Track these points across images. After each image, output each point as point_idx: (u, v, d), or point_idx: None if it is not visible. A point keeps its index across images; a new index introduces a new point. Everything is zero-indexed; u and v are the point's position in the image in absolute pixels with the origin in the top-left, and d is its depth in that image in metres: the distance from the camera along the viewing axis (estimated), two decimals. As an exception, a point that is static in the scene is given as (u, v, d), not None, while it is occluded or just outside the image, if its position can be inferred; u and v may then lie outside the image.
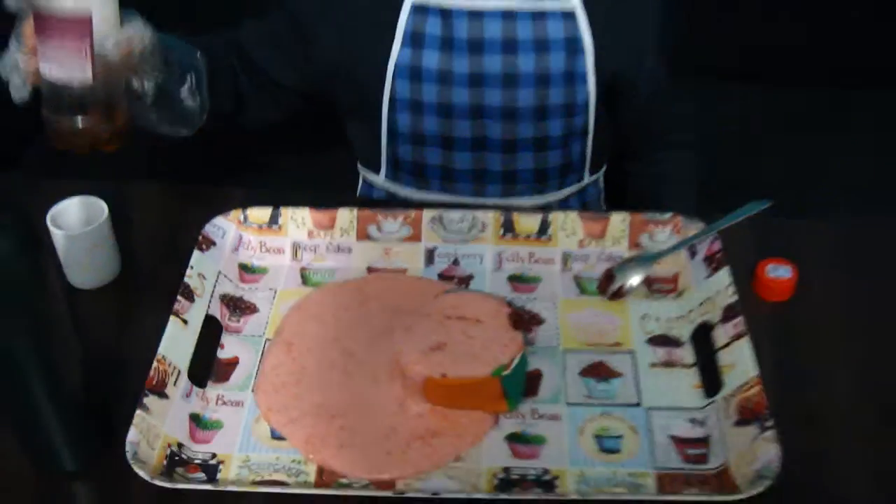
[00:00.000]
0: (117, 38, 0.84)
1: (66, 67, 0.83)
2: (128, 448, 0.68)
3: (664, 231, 0.87)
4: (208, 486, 0.69)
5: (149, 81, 0.87)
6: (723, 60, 1.53)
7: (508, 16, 1.02)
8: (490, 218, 0.88)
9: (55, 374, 0.67)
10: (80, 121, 0.81)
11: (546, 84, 1.04)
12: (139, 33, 0.85)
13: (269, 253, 0.88)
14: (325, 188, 1.00)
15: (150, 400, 0.71)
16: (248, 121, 1.13)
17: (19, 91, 0.85)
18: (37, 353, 0.65)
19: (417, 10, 1.03)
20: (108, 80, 0.84)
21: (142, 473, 0.67)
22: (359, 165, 1.19)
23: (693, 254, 0.85)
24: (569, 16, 1.02)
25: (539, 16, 1.02)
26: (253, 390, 0.77)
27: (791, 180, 1.22)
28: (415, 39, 1.04)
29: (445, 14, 1.02)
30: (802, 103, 1.52)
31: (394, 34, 1.04)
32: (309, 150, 1.27)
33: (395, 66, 1.05)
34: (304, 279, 0.87)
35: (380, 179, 1.14)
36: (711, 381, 0.76)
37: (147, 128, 0.91)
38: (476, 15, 1.02)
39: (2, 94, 0.85)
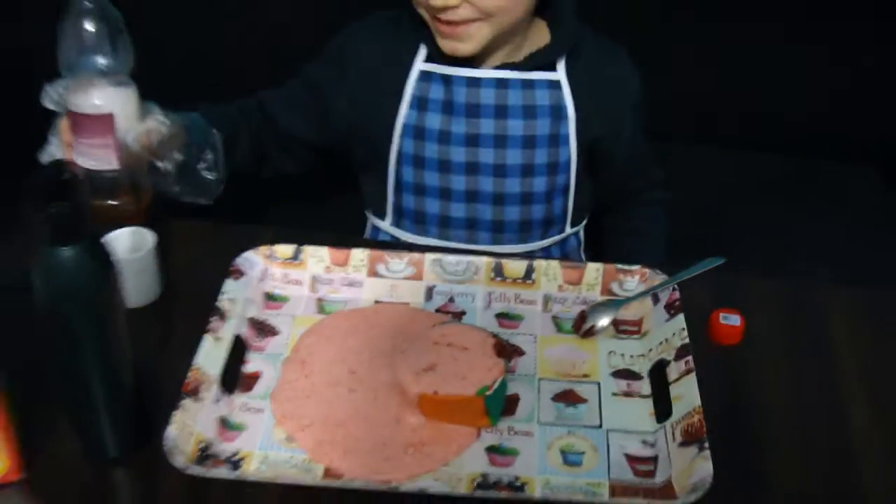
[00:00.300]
0: (138, 131, 0.99)
1: (96, 159, 0.99)
2: (166, 440, 0.80)
3: (632, 280, 1.00)
4: (232, 476, 0.81)
5: (170, 162, 1.02)
6: (700, 128, 1.67)
7: (501, 83, 1.15)
8: (483, 263, 1.01)
9: (111, 374, 0.79)
10: (109, 202, 0.96)
11: (532, 145, 1.16)
12: (157, 125, 1.00)
13: (290, 284, 1.01)
14: (337, 230, 1.12)
15: (186, 402, 0.84)
16: (268, 173, 1.27)
17: None
18: (99, 355, 0.78)
19: (423, 77, 1.16)
20: (132, 167, 0.99)
21: (178, 463, 0.79)
22: (367, 212, 1.32)
23: (656, 301, 0.97)
24: (554, 84, 1.16)
25: (528, 84, 1.16)
26: (271, 400, 0.90)
27: (748, 241, 1.34)
28: (420, 103, 1.17)
29: (447, 80, 1.16)
30: (771, 169, 1.66)
31: (402, 98, 1.17)
32: (323, 197, 1.40)
33: (403, 125, 1.18)
34: (320, 308, 0.99)
35: (385, 225, 1.27)
36: (662, 409, 0.87)
37: (171, 197, 1.05)
38: (473, 82, 1.15)
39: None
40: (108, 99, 0.98)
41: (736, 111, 1.71)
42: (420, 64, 1.17)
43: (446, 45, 1.12)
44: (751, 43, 1.66)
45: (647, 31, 1.55)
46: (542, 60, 1.16)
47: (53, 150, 1.03)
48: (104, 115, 0.97)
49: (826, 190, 1.64)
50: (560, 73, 1.16)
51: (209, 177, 1.07)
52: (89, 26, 0.95)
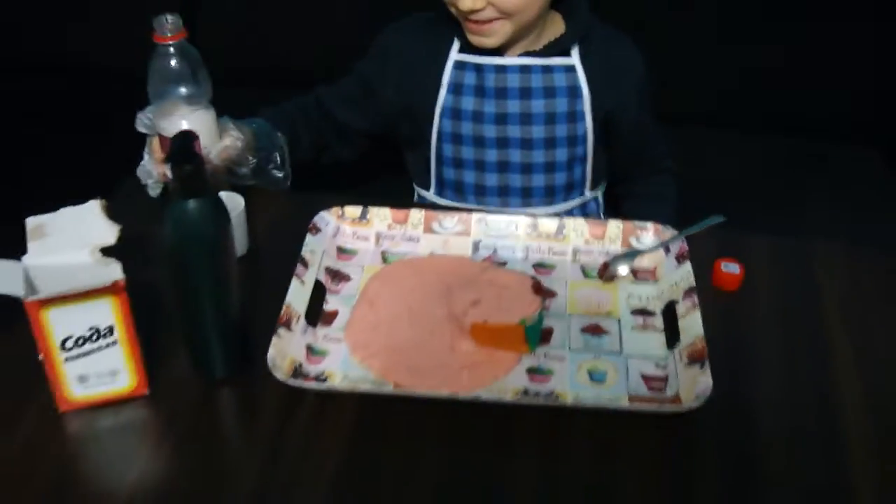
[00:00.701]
0: (218, 148, 1.16)
1: None
2: (268, 359, 0.97)
3: (647, 234, 1.17)
4: (323, 388, 0.99)
5: (245, 167, 1.20)
6: (700, 106, 1.85)
7: (524, 69, 1.33)
8: (521, 221, 1.18)
9: (223, 305, 0.97)
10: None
11: (553, 121, 1.34)
12: (233, 140, 1.18)
13: (359, 239, 1.18)
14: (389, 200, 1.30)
15: (281, 331, 1.02)
16: (327, 160, 1.45)
17: (153, 189, 1.19)
18: (214, 288, 0.96)
19: (458, 66, 1.34)
20: (214, 176, 1.15)
21: (278, 376, 0.97)
22: (414, 184, 1.50)
23: (667, 252, 1.14)
24: (570, 69, 1.33)
25: (547, 69, 1.33)
26: (345, 333, 1.08)
27: (756, 216, 1.50)
28: (456, 88, 1.35)
29: (478, 68, 1.34)
30: (780, 152, 1.83)
31: (440, 84, 1.35)
32: (376, 175, 1.59)
33: (441, 108, 1.35)
34: (384, 259, 1.16)
35: (429, 195, 1.45)
36: (672, 338, 1.05)
37: None
38: (501, 68, 1.33)
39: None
40: (192, 122, 1.13)
41: (744, 97, 1.89)
42: (454, 55, 1.35)
43: (475, 40, 1.31)
44: (756, 40, 1.84)
45: (656, 22, 1.73)
46: (559, 48, 1.33)
47: (147, 166, 1.20)
48: None
49: (831, 172, 1.81)
50: (574, 59, 1.34)
51: (278, 174, 1.26)
52: (173, 63, 1.11)
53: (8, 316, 1.03)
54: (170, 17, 1.06)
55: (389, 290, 1.12)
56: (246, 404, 1.02)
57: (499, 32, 1.28)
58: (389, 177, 1.56)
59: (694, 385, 0.97)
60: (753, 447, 0.95)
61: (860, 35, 1.86)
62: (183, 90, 1.10)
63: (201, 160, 0.90)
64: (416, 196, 1.49)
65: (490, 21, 1.26)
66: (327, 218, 1.18)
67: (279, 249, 1.15)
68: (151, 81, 1.11)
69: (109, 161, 1.25)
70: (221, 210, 0.93)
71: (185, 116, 1.11)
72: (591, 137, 1.37)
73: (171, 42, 1.07)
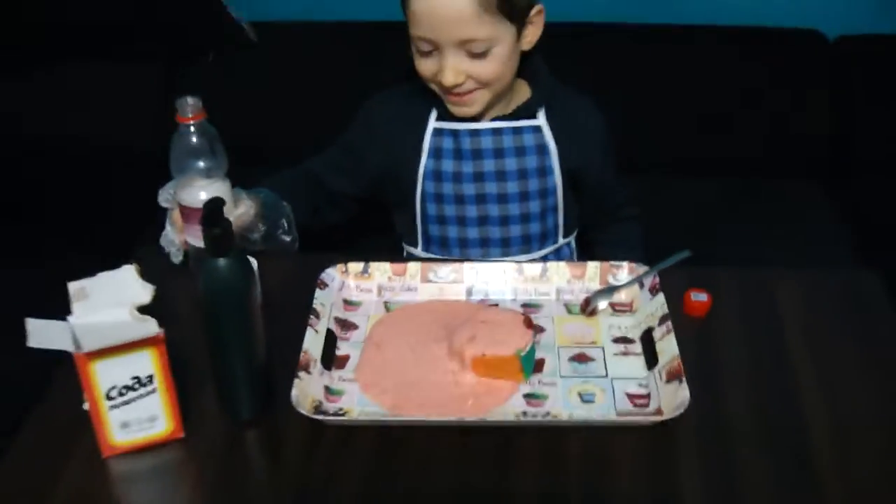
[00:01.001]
0: (234, 216, 1.28)
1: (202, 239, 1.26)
2: (292, 398, 1.07)
3: (623, 272, 1.30)
4: (342, 421, 1.10)
5: (257, 234, 1.32)
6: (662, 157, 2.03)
7: (497, 132, 1.46)
8: (509, 267, 1.31)
9: (250, 351, 1.08)
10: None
11: (525, 176, 1.47)
12: (247, 209, 1.31)
13: (362, 292, 1.30)
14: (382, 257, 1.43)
15: (301, 374, 1.12)
16: (318, 225, 1.57)
17: (175, 256, 1.32)
18: (242, 336, 1.07)
19: (436, 133, 1.47)
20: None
21: (302, 411, 1.09)
22: (403, 243, 1.63)
23: (641, 286, 1.28)
24: (537, 129, 1.47)
25: (517, 130, 1.47)
26: (356, 373, 1.18)
27: (719, 250, 1.64)
28: (436, 152, 1.48)
29: (455, 134, 1.47)
30: (734, 190, 2.02)
31: (421, 150, 1.48)
32: (365, 234, 1.72)
33: (424, 171, 1.48)
34: (386, 308, 1.28)
35: (417, 251, 1.57)
36: (651, 361, 1.17)
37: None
38: (475, 133, 1.46)
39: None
40: (210, 193, 1.22)
41: (698, 146, 2.08)
42: (433, 123, 1.48)
43: (457, 110, 1.44)
44: (707, 93, 2.03)
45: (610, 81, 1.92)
46: (526, 111, 1.48)
47: (170, 235, 1.32)
48: None
49: (779, 201, 2.01)
50: (541, 120, 1.48)
51: (286, 238, 1.39)
52: (194, 140, 1.21)
53: (47, 375, 1.15)
54: (190, 100, 1.19)
55: (393, 333, 1.23)
56: (272, 442, 1.12)
57: (479, 101, 1.42)
58: (379, 237, 1.68)
59: (674, 398, 1.09)
60: (729, 450, 1.07)
61: (798, 86, 2.07)
62: (202, 164, 1.23)
63: (229, 223, 1.02)
64: (404, 253, 1.62)
65: (470, 92, 1.40)
66: (333, 274, 1.30)
67: (291, 303, 1.26)
68: (173, 157, 1.23)
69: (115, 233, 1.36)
70: (247, 266, 1.05)
71: (204, 188, 1.23)
72: (560, 189, 1.50)
73: (191, 122, 1.20)
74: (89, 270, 1.08)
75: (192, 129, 1.21)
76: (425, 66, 1.39)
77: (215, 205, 1.03)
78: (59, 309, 1.02)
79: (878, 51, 2.14)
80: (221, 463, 1.09)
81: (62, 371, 1.11)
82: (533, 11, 1.38)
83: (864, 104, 2.11)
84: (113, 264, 1.08)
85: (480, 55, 1.34)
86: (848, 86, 2.11)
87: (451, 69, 1.35)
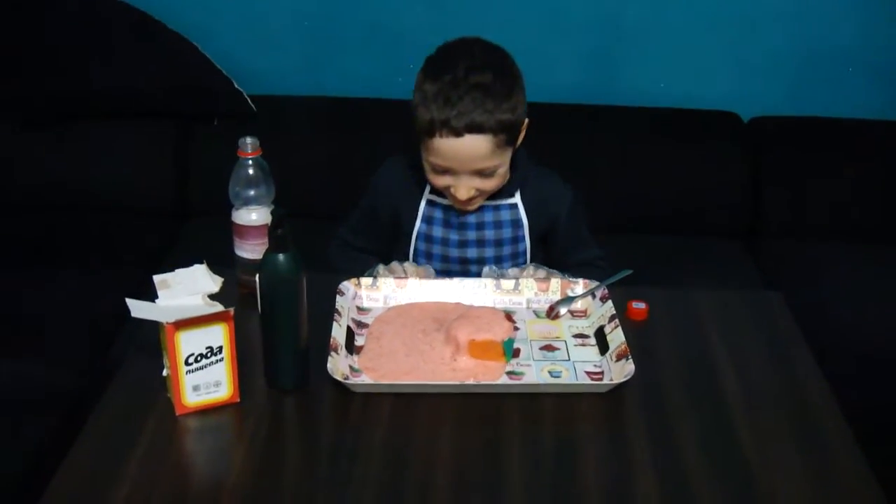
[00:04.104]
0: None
1: (253, 253, 1.54)
2: (328, 367, 1.37)
3: (578, 287, 1.63)
4: (367, 386, 1.40)
5: None
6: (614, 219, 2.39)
7: (480, 208, 1.71)
8: (489, 283, 1.64)
9: (297, 332, 1.37)
10: (257, 279, 1.36)
11: (501, 244, 1.74)
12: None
13: (371, 301, 1.62)
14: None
15: (332, 354, 1.42)
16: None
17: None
18: (293, 319, 1.37)
19: (430, 203, 1.76)
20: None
21: (336, 377, 1.39)
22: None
23: (593, 297, 1.61)
24: (513, 206, 1.75)
25: (496, 207, 1.73)
26: (358, 361, 1.47)
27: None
28: (428, 219, 1.76)
29: (445, 207, 1.75)
30: (667, 246, 2.39)
31: (416, 216, 1.77)
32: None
33: (417, 233, 1.76)
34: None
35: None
36: (603, 349, 1.49)
37: None
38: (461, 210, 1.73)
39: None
40: (261, 216, 1.50)
41: (638, 209, 2.45)
42: (427, 195, 1.76)
43: (461, 210, 1.68)
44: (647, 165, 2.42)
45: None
46: (505, 193, 1.70)
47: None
48: (259, 226, 1.53)
49: (706, 258, 2.38)
50: (517, 198, 1.73)
51: None
52: (251, 171, 1.49)
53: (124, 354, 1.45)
54: (249, 139, 1.51)
55: (390, 327, 1.54)
56: (309, 407, 1.41)
57: (477, 203, 1.67)
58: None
59: (622, 371, 1.42)
60: (663, 412, 1.40)
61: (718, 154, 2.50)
62: (254, 192, 1.54)
63: (289, 227, 1.33)
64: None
65: (473, 199, 1.65)
66: (348, 286, 1.61)
67: (319, 304, 1.54)
68: (232, 184, 1.54)
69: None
70: (299, 262, 1.36)
71: (255, 211, 1.54)
72: (529, 252, 1.76)
73: (250, 157, 1.51)
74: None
75: (251, 162, 1.52)
76: (439, 181, 1.62)
77: (280, 215, 1.34)
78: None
79: (788, 130, 2.58)
80: (269, 423, 1.37)
81: (136, 349, 1.41)
82: (524, 125, 1.61)
83: (773, 176, 2.52)
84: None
85: (489, 175, 1.60)
86: (759, 160, 2.52)
87: (465, 188, 1.59)
